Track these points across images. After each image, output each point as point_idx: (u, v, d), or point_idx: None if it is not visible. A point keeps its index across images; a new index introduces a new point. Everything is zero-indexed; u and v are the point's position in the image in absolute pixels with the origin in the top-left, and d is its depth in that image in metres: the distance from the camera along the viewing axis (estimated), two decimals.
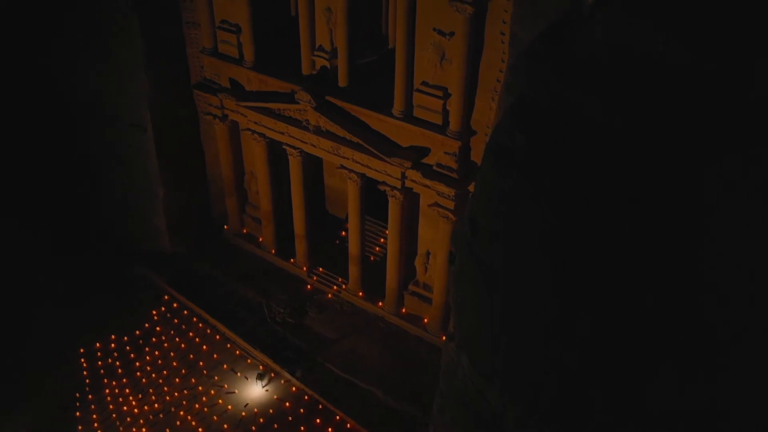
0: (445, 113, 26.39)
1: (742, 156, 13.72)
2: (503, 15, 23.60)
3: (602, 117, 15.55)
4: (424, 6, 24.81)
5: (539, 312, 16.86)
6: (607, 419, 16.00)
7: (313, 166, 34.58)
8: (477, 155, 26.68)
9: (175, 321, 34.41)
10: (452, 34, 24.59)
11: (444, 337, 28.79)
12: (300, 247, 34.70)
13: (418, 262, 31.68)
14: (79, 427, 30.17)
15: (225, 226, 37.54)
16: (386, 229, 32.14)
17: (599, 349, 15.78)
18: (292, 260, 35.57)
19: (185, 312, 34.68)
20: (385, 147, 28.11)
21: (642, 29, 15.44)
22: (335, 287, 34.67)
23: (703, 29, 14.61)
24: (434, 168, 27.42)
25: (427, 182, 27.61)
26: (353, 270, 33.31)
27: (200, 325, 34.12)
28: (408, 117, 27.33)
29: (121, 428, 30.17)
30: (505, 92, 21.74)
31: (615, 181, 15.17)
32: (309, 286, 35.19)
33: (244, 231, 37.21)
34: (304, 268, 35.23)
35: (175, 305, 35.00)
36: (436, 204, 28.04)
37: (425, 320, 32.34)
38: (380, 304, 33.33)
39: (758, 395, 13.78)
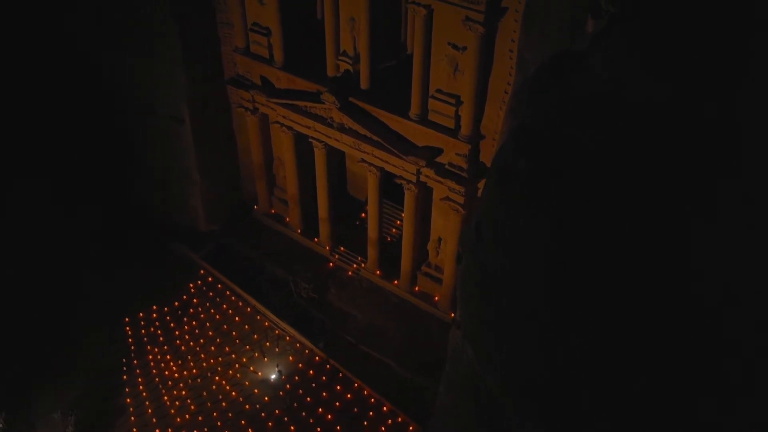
0: (457, 118, 27.63)
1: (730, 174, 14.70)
2: (512, 35, 24.67)
3: (596, 148, 16.74)
4: (440, 22, 25.87)
5: (538, 316, 18.20)
6: (605, 421, 17.18)
7: (336, 154, 35.95)
8: (485, 156, 28.03)
9: (210, 294, 36.25)
10: (465, 48, 25.71)
11: (452, 315, 30.47)
12: (323, 228, 36.34)
13: (430, 247, 33.27)
14: (126, 389, 32.31)
15: (255, 207, 39.11)
16: (402, 212, 33.61)
17: (596, 353, 17.01)
18: (316, 240, 37.20)
19: (219, 286, 36.49)
20: (402, 146, 29.48)
21: (633, 67, 16.55)
22: (355, 266, 36.29)
23: (685, 68, 15.64)
24: (446, 167, 28.81)
25: (440, 179, 29.03)
26: (372, 251, 34.96)
27: (233, 298, 35.97)
28: (423, 120, 28.61)
29: (163, 390, 32.28)
30: (510, 115, 22.87)
31: (610, 201, 16.33)
32: (331, 264, 36.87)
33: (272, 211, 38.80)
34: (327, 248, 36.89)
35: (210, 279, 36.82)
36: (448, 198, 29.48)
37: (436, 298, 34.04)
38: (396, 282, 35.00)
39: (760, 398, 14.28)
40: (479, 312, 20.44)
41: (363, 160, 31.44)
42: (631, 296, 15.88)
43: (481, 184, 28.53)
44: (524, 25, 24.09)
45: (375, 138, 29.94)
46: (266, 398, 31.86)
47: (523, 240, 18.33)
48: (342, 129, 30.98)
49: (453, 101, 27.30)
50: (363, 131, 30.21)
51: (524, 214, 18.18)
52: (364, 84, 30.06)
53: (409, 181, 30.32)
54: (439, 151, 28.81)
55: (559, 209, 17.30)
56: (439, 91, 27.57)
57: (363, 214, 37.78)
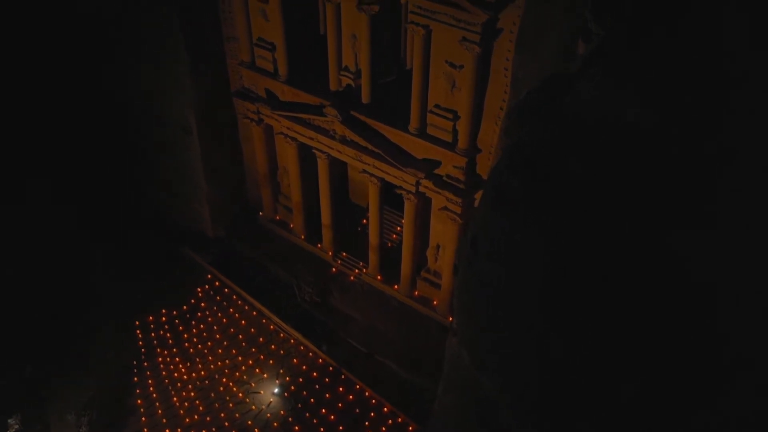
0: (455, 132, 28.25)
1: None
2: (507, 54, 25.28)
3: (583, 171, 17.44)
4: (438, 42, 26.47)
5: (532, 326, 18.92)
6: (600, 426, 17.88)
7: (339, 163, 36.59)
8: (482, 169, 28.71)
9: (218, 298, 36.98)
10: (462, 66, 26.34)
11: (450, 318, 31.20)
12: (326, 234, 37.05)
13: (429, 253, 33.97)
14: (137, 390, 33.04)
15: (260, 213, 39.79)
16: (402, 218, 34.27)
17: (589, 360, 17.70)
18: (319, 245, 37.88)
19: (226, 290, 37.23)
20: (401, 158, 30.14)
21: (618, 93, 17.22)
22: (357, 271, 36.98)
23: (668, 95, 16.30)
24: (444, 179, 29.48)
25: (438, 190, 29.68)
26: (373, 257, 35.66)
27: (239, 302, 36.70)
28: (422, 134, 29.24)
29: (172, 392, 33.00)
30: (504, 134, 23.50)
31: (600, 218, 17.01)
32: (334, 269, 37.56)
33: (277, 218, 39.48)
34: (330, 253, 37.59)
35: (217, 283, 37.56)
36: (446, 208, 30.14)
37: (435, 302, 34.70)
38: (396, 287, 35.66)
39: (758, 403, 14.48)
40: (475, 321, 21.16)
41: (364, 171, 32.16)
42: (622, 307, 16.63)
43: (477, 195, 29.26)
44: (518, 46, 24.79)
45: (376, 150, 30.61)
46: (271, 400, 32.63)
47: (518, 254, 19.00)
48: (344, 141, 31.67)
49: (450, 116, 27.97)
50: (364, 144, 30.88)
51: (518, 229, 18.81)
52: (365, 98, 30.70)
53: (408, 192, 31.03)
54: (437, 164, 29.51)
55: (551, 225, 17.96)
56: (437, 106, 28.23)
57: (364, 221, 38.45)
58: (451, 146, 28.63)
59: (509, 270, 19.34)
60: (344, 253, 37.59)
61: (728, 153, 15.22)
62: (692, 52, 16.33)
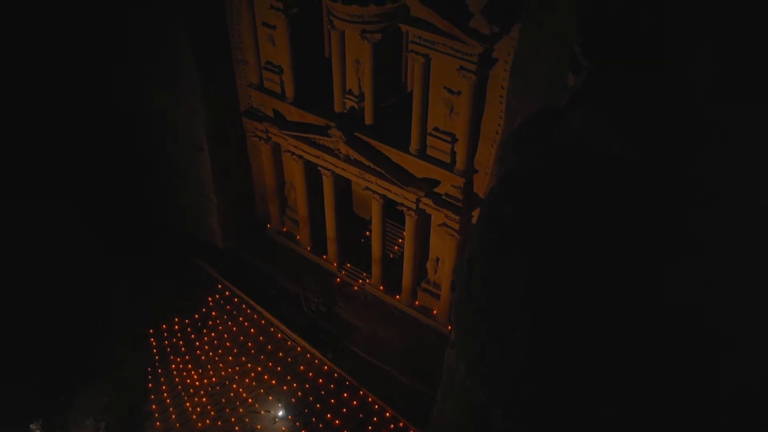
0: (453, 154, 29.21)
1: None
2: (502, 83, 26.26)
3: (572, 200, 18.38)
4: (437, 69, 27.42)
5: (521, 343, 19.91)
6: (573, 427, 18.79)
7: (343, 178, 37.48)
8: (479, 188, 29.69)
9: (228, 307, 37.91)
10: (459, 92, 27.27)
11: (449, 327, 32.15)
12: (331, 246, 38.02)
13: (429, 265, 34.95)
14: (152, 396, 33.95)
15: (268, 225, 40.76)
16: (404, 231, 35.29)
17: (564, 372, 18.70)
18: (324, 256, 38.81)
19: (236, 299, 38.16)
20: (403, 177, 31.12)
21: (604, 126, 18.14)
22: (360, 281, 37.94)
23: (648, 130, 17.21)
24: (443, 197, 30.43)
25: (437, 208, 30.65)
26: (375, 269, 36.62)
27: (248, 311, 37.61)
28: (422, 154, 30.20)
29: (185, 397, 33.91)
30: (498, 163, 24.38)
31: (583, 249, 17.97)
32: (338, 280, 38.52)
33: (284, 230, 40.44)
34: (335, 264, 38.56)
35: (227, 293, 38.51)
36: (444, 224, 31.15)
37: (435, 312, 35.65)
38: (397, 297, 36.61)
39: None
40: (469, 335, 22.15)
41: (367, 188, 33.14)
42: (602, 330, 17.59)
43: (475, 213, 30.23)
44: (512, 75, 25.76)
45: (378, 169, 31.61)
46: (279, 405, 33.62)
47: (509, 277, 19.94)
48: (348, 160, 32.66)
49: (449, 139, 28.94)
50: (367, 163, 31.85)
51: (509, 253, 19.84)
52: (368, 120, 31.66)
53: (409, 208, 32.00)
54: (436, 183, 30.48)
55: (539, 251, 18.96)
56: (436, 129, 29.21)
57: (367, 233, 39.42)
58: (449, 167, 29.59)
59: (501, 292, 20.33)
60: (348, 264, 38.56)
61: (707, 190, 16.12)
62: (671, 90, 17.25)
